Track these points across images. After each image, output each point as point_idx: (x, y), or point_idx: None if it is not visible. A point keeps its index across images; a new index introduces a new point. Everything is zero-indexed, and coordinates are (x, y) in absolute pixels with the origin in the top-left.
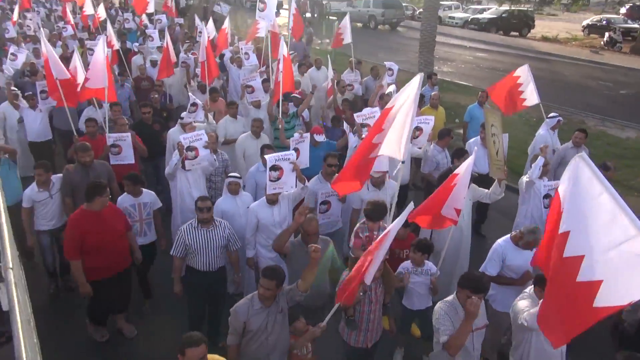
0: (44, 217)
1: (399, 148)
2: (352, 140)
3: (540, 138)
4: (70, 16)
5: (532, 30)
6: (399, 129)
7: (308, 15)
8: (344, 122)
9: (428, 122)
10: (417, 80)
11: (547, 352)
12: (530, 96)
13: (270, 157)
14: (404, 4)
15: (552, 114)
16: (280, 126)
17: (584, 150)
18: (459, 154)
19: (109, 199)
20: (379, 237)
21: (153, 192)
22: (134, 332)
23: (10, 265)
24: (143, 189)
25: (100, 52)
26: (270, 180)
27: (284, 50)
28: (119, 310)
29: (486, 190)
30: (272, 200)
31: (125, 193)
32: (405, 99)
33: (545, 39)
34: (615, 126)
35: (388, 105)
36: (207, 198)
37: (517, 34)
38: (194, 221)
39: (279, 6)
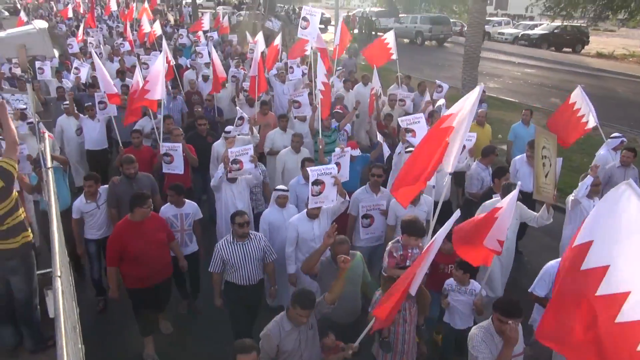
0: (92, 227)
1: (449, 160)
2: (386, 150)
3: (600, 158)
4: (129, 33)
5: (586, 47)
6: (455, 140)
7: (356, 31)
8: (378, 133)
9: (470, 138)
10: (477, 91)
11: None
12: (590, 118)
13: (312, 172)
14: (452, 20)
15: (614, 134)
16: (320, 147)
17: (633, 170)
18: (500, 174)
19: (152, 210)
20: (426, 248)
21: (195, 203)
22: (169, 329)
23: (59, 273)
24: (186, 200)
25: (160, 66)
26: (313, 195)
27: (322, 77)
28: (160, 309)
29: (534, 214)
30: (314, 215)
31: (169, 203)
32: (463, 109)
33: (600, 55)
34: None
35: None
36: (245, 213)
37: (570, 50)
38: (229, 236)
39: (327, 22)
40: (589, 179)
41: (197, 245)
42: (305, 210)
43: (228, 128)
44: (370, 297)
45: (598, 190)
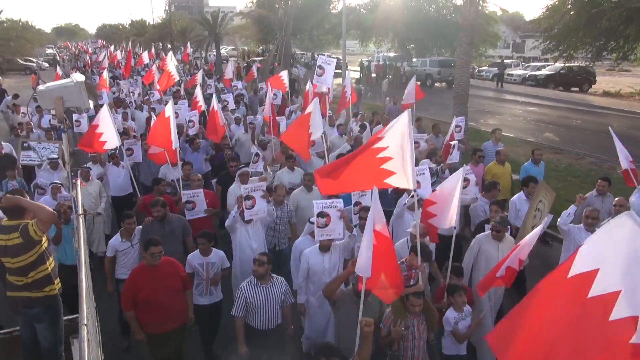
0: (124, 266)
1: (407, 179)
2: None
3: (634, 206)
4: (155, 83)
5: (594, 86)
6: (404, 161)
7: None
8: None
9: (472, 172)
10: (406, 114)
11: None
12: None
13: (317, 204)
14: None
15: None
16: None
17: (609, 199)
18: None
19: (182, 254)
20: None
21: (221, 252)
22: None
23: (85, 322)
24: (212, 248)
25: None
26: (318, 227)
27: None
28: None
29: None
30: (325, 247)
31: (197, 251)
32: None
33: (606, 94)
34: None
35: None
36: (265, 254)
37: (577, 89)
38: (252, 279)
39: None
40: (572, 208)
41: (221, 294)
42: (318, 243)
43: (244, 169)
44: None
45: (596, 222)
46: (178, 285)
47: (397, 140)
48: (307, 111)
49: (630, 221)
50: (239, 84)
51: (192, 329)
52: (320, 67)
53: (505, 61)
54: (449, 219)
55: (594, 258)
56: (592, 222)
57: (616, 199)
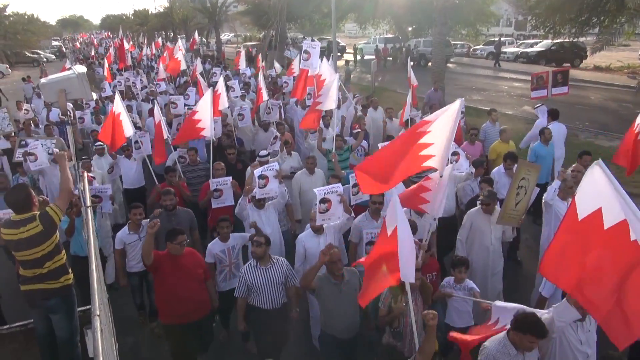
0: (133, 259)
1: (434, 206)
2: None
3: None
4: (162, 72)
5: (586, 61)
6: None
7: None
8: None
9: (458, 147)
10: (457, 104)
11: (570, 358)
12: None
13: (319, 192)
14: (460, 42)
15: None
16: (333, 160)
17: None
18: (487, 183)
19: (189, 245)
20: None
21: (237, 234)
22: None
23: (98, 312)
24: (230, 233)
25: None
26: (320, 212)
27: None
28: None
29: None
30: (317, 230)
31: (216, 240)
32: (439, 119)
33: (597, 68)
34: (605, 138)
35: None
36: (262, 235)
37: (569, 65)
38: (252, 261)
39: (343, 51)
40: (556, 183)
41: None
42: (310, 226)
43: (262, 152)
44: (367, 311)
45: (572, 192)
46: (200, 275)
47: (442, 127)
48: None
49: (598, 168)
50: (248, 71)
51: (213, 324)
52: (305, 51)
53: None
54: (437, 209)
55: (593, 199)
56: (569, 191)
57: (573, 165)
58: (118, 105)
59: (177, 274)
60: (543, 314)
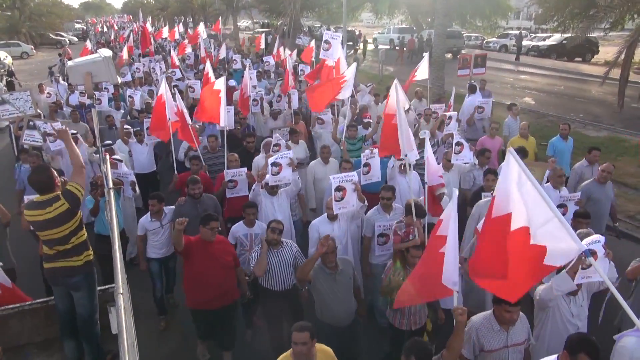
0: (154, 246)
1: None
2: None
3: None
4: (176, 60)
5: (598, 56)
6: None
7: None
8: None
9: (462, 138)
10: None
11: (561, 329)
12: None
13: (335, 179)
14: (476, 35)
15: None
16: (342, 147)
17: (597, 165)
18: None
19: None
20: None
21: (264, 225)
22: (206, 356)
23: (121, 291)
24: (256, 220)
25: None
26: (336, 201)
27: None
28: (225, 348)
29: None
30: (332, 216)
31: (241, 222)
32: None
33: (607, 63)
34: (593, 129)
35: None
36: (280, 222)
37: (580, 59)
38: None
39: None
40: (547, 172)
41: None
42: (326, 213)
43: (267, 139)
44: (361, 299)
45: (562, 180)
46: (230, 262)
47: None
48: (343, 75)
49: (511, 158)
50: (271, 59)
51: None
52: (326, 41)
53: (511, 32)
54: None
55: (506, 203)
56: (558, 180)
57: (604, 164)
58: (219, 83)
59: (207, 261)
60: (543, 286)
